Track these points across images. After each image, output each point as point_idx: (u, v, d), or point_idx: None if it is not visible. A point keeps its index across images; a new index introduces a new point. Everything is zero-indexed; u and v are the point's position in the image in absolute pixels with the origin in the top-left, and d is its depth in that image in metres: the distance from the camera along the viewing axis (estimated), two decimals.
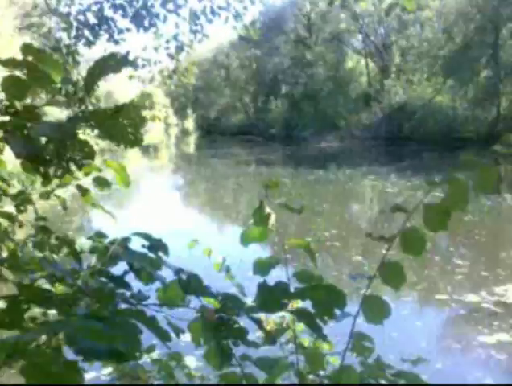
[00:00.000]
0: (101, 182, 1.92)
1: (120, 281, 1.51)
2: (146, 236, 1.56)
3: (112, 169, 1.77)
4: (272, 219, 1.64)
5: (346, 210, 13.06)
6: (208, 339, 1.30)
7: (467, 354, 5.43)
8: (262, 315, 1.94)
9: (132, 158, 38.19)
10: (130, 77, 6.45)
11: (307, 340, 2.11)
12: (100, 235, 1.75)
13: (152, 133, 74.04)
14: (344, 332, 1.62)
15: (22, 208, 2.18)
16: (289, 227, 11.40)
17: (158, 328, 1.18)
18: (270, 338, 1.69)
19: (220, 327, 1.28)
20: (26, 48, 1.24)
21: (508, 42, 34.34)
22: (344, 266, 8.57)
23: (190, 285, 1.39)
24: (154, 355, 2.23)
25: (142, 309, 1.21)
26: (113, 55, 1.19)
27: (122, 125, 1.18)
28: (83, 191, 1.97)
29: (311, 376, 1.73)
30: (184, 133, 72.75)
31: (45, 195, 2.23)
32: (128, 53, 1.19)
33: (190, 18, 6.16)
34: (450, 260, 8.40)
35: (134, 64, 6.26)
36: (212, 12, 6.14)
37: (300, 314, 1.38)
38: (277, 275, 1.57)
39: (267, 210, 1.66)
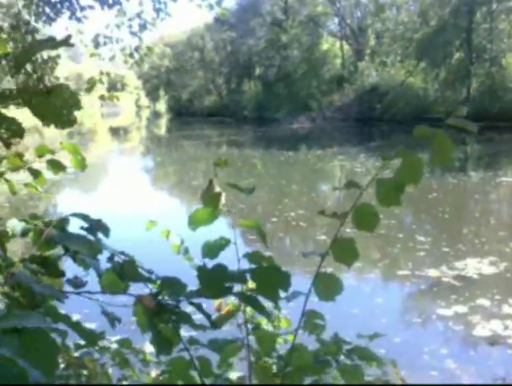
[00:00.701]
0: (55, 166, 1.81)
1: (53, 267, 1.43)
2: (85, 217, 1.46)
3: (67, 151, 1.71)
4: (222, 199, 1.54)
5: (314, 190, 13.06)
6: (147, 326, 1.24)
7: (426, 327, 5.56)
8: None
9: (101, 140, 37.69)
10: (91, 55, 6.27)
11: (285, 320, 2.08)
12: (35, 216, 1.59)
13: (123, 115, 73.29)
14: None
15: None
16: (256, 207, 11.35)
17: (82, 331, 1.13)
18: (221, 321, 1.72)
19: (160, 313, 1.22)
20: None
21: (481, 25, 34.88)
22: (309, 245, 8.57)
23: (124, 270, 1.31)
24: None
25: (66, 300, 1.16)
26: (51, 40, 1.12)
27: (54, 105, 1.13)
28: (35, 174, 1.86)
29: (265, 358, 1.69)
30: (156, 115, 72.13)
31: None
32: (69, 36, 1.11)
33: None
34: (413, 236, 8.48)
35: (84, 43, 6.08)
36: None
37: (244, 297, 1.34)
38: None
39: (217, 189, 1.55)
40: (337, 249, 1.41)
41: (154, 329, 1.22)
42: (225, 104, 53.31)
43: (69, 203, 13.53)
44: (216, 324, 1.43)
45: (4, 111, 1.20)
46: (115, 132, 45.00)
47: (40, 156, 1.76)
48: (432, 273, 6.77)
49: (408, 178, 1.28)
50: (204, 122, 46.80)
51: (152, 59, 68.98)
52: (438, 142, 1.23)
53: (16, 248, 1.52)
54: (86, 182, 16.91)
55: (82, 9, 5.89)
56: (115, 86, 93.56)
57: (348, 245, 1.41)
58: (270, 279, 1.34)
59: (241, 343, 1.64)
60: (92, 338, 1.12)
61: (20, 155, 1.79)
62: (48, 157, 1.80)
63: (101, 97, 6.29)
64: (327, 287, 1.44)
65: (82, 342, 1.84)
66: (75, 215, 1.44)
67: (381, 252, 7.87)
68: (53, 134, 32.31)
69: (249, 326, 1.93)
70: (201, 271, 1.30)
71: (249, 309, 2.10)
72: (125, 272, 1.30)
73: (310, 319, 1.66)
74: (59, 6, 5.91)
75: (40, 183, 1.87)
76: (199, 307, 1.26)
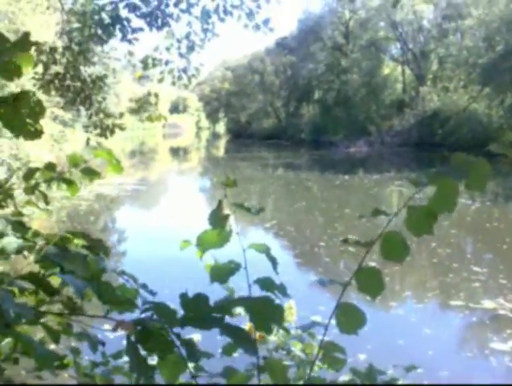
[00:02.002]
0: (89, 173, 1.79)
1: (45, 285, 1.40)
2: (85, 236, 1.44)
3: (102, 157, 1.68)
4: (231, 221, 1.49)
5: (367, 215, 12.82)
6: (126, 352, 1.17)
7: (478, 361, 5.28)
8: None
9: (162, 160, 38.67)
10: (139, 77, 6.48)
11: (298, 344, 2.03)
12: (37, 233, 1.58)
13: (183, 136, 75.00)
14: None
15: (2, 204, 2.03)
16: (305, 230, 11.30)
17: (39, 355, 1.07)
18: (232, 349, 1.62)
19: (143, 340, 1.15)
20: None
21: None
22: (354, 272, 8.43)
23: (102, 293, 1.26)
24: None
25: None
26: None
27: (21, 113, 1.12)
28: (68, 183, 1.85)
29: None
30: (215, 136, 73.49)
31: (29, 190, 2.02)
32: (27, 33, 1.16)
33: (202, 17, 6.11)
34: (468, 266, 8.17)
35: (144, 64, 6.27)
36: (225, 11, 6.06)
37: (230, 331, 1.22)
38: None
39: (226, 211, 1.51)
40: (362, 279, 1.36)
41: (133, 354, 1.14)
42: (283, 127, 53.62)
43: (127, 219, 13.96)
44: (196, 356, 1.27)
45: None
46: (175, 152, 46.10)
47: (75, 165, 1.76)
48: (487, 304, 6.49)
49: (442, 205, 1.21)
50: (261, 144, 47.20)
51: (213, 82, 70.70)
52: (476, 168, 1.17)
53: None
54: (145, 199, 17.41)
55: (133, 31, 6.02)
56: (177, 108, 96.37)
57: (373, 275, 1.35)
58: (262, 311, 1.27)
59: (248, 374, 1.58)
60: (47, 361, 1.07)
61: (52, 166, 1.79)
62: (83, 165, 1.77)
63: (149, 118, 6.47)
64: (349, 319, 1.37)
65: (98, 360, 1.82)
66: (73, 233, 1.41)
67: (432, 282, 7.64)
68: (116, 153, 33.49)
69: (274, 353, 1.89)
70: (183, 299, 1.20)
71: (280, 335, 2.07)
72: (103, 295, 1.25)
73: (328, 352, 1.58)
74: (111, 27, 5.98)
75: (73, 192, 1.86)
76: (178, 336, 1.17)
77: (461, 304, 6.60)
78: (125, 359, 1.89)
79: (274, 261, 1.50)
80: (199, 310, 1.18)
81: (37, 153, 15.69)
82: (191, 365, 1.32)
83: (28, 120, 1.12)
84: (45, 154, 17.80)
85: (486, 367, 5.10)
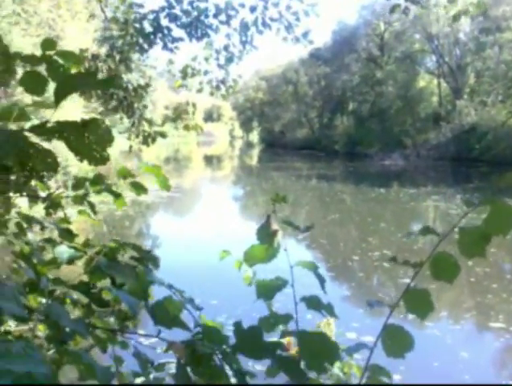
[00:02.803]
0: (138, 187, 1.83)
1: (97, 298, 1.41)
2: (135, 247, 1.44)
3: (150, 173, 1.71)
4: (279, 237, 1.47)
5: (402, 230, 12.60)
6: (177, 376, 1.15)
7: None
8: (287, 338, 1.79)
9: (196, 167, 38.99)
10: (178, 86, 6.52)
11: (356, 367, 1.98)
12: (87, 243, 1.61)
13: (217, 144, 75.56)
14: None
15: (50, 211, 2.05)
16: (338, 244, 11.18)
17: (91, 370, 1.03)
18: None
19: (193, 362, 1.13)
20: (47, 44, 1.20)
21: None
22: (390, 289, 8.27)
23: (155, 312, 1.24)
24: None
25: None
26: (92, 75, 1.14)
27: (89, 140, 1.11)
28: (115, 195, 1.89)
29: None
30: (248, 145, 73.77)
31: (78, 199, 2.08)
32: (113, 78, 1.18)
33: (241, 29, 6.10)
34: (508, 287, 7.92)
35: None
36: (264, 24, 6.01)
37: (283, 363, 1.19)
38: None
39: (275, 226, 1.48)
40: (410, 300, 1.33)
41: (182, 378, 1.13)
42: (317, 138, 53.49)
43: (161, 225, 14.10)
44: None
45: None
46: (209, 160, 46.45)
47: (124, 178, 1.79)
48: None
49: (496, 228, 1.18)
50: (294, 155, 47.14)
51: (248, 91, 71.14)
52: None
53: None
54: (179, 206, 17.55)
55: (174, 40, 6.03)
56: (212, 116, 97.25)
57: (422, 297, 1.32)
58: (316, 348, 1.22)
59: None
60: (105, 378, 1.04)
61: (102, 177, 1.83)
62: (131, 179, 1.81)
63: (186, 127, 6.50)
64: (395, 342, 1.34)
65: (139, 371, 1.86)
66: (125, 244, 1.41)
67: (470, 302, 7.42)
68: (151, 158, 33.95)
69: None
70: (237, 328, 1.18)
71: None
72: (158, 314, 1.24)
73: (374, 375, 1.53)
74: (152, 36, 6.01)
75: (119, 205, 1.89)
76: (230, 364, 1.15)
77: (500, 326, 6.39)
78: (167, 371, 1.92)
79: (321, 280, 1.47)
80: (252, 342, 1.16)
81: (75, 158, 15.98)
82: None
83: (95, 146, 1.11)
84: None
85: None
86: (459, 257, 1.26)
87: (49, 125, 1.08)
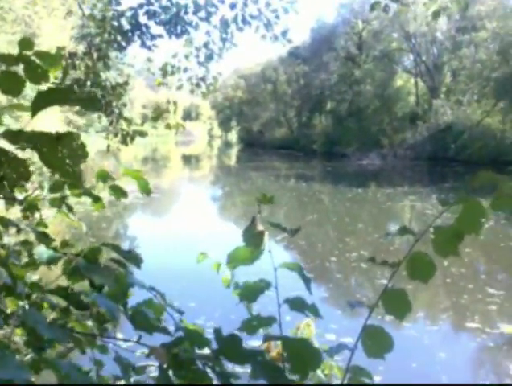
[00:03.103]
0: (117, 191, 1.82)
1: (76, 301, 1.40)
2: (115, 247, 1.41)
3: (131, 177, 1.69)
4: (265, 238, 1.45)
5: (380, 230, 12.72)
6: (159, 381, 1.14)
7: None
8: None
9: (174, 167, 38.79)
10: (158, 84, 6.49)
11: (337, 368, 1.95)
12: (66, 244, 1.61)
13: (195, 143, 75.26)
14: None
15: (28, 214, 2.04)
16: (316, 245, 11.24)
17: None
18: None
19: (175, 367, 1.13)
20: (24, 43, 1.18)
21: None
22: (367, 289, 8.35)
23: (134, 318, 1.24)
24: None
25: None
26: (71, 91, 1.10)
27: (62, 153, 1.08)
28: (95, 199, 1.88)
29: None
30: (227, 145, 73.70)
31: (56, 203, 2.07)
32: (95, 99, 1.11)
33: (221, 27, 6.08)
34: (483, 288, 8.01)
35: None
36: (243, 21, 6.00)
37: (265, 369, 1.18)
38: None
39: (260, 227, 1.47)
40: (388, 301, 1.34)
41: (166, 382, 1.13)
42: (295, 138, 53.60)
43: (139, 226, 14.01)
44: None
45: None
46: (187, 160, 46.26)
47: (104, 181, 1.78)
48: (504, 328, 6.33)
49: (468, 226, 1.20)
50: (273, 154, 47.22)
51: (226, 90, 70.99)
52: (502, 188, 1.16)
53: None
54: (157, 207, 17.45)
55: (152, 38, 6.01)
56: (190, 115, 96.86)
57: (400, 297, 1.34)
58: (299, 354, 1.23)
59: None
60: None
61: (80, 181, 1.82)
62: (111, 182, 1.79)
63: (167, 126, 6.48)
64: (375, 343, 1.35)
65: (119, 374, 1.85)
66: (105, 245, 1.39)
67: (446, 303, 7.50)
68: (128, 158, 33.67)
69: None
70: (217, 335, 1.17)
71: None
72: (136, 320, 1.23)
73: (355, 376, 1.54)
74: (130, 34, 5.98)
75: (98, 208, 1.87)
76: (213, 369, 1.15)
77: (477, 327, 6.44)
78: (147, 374, 1.88)
79: (307, 280, 1.47)
80: (233, 348, 1.16)
81: None
82: None
83: (68, 160, 1.09)
84: None
85: None
86: (435, 258, 1.28)
87: (23, 134, 1.06)
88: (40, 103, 1.05)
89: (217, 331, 1.16)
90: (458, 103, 40.04)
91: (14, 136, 1.06)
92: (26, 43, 1.19)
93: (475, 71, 39.39)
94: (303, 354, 1.23)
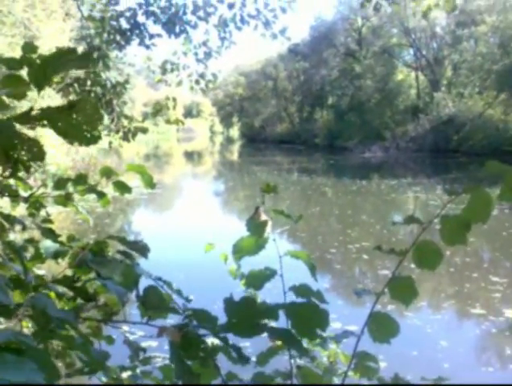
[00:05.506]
0: (121, 187, 1.79)
1: (81, 291, 1.39)
2: (122, 239, 1.41)
3: (134, 172, 1.68)
4: (268, 228, 1.45)
5: (383, 222, 12.71)
6: (172, 360, 1.15)
7: (497, 375, 5.12)
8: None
9: (176, 163, 38.83)
10: (158, 81, 6.50)
11: (342, 355, 1.91)
12: (72, 238, 1.59)
13: (197, 140, 75.33)
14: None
15: (33, 211, 2.01)
16: (316, 236, 11.22)
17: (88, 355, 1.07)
18: (265, 357, 1.60)
19: (186, 346, 1.13)
20: (28, 47, 1.17)
21: None
22: (368, 279, 8.35)
23: (147, 298, 1.25)
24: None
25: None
26: (73, 51, 1.08)
27: (77, 121, 1.08)
28: (100, 195, 1.86)
29: None
30: (229, 140, 73.74)
31: (61, 200, 2.01)
32: (91, 52, 1.14)
33: (219, 26, 6.09)
34: (486, 276, 8.00)
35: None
36: (242, 20, 6.01)
37: (278, 334, 1.23)
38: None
39: (264, 217, 1.47)
40: (395, 288, 1.36)
41: (179, 362, 1.13)
42: (297, 132, 53.69)
43: (143, 221, 14.04)
44: (246, 359, 1.25)
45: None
46: (189, 156, 46.30)
47: (107, 177, 1.76)
48: (507, 314, 6.37)
49: (476, 215, 1.20)
50: (275, 149, 47.25)
51: (227, 87, 70.99)
52: (509, 179, 1.16)
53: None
54: (160, 202, 17.49)
55: (151, 37, 6.05)
56: (191, 112, 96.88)
57: (406, 284, 1.36)
58: (306, 317, 1.25)
59: (285, 380, 1.56)
60: (95, 363, 1.07)
61: (85, 177, 1.79)
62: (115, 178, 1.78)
63: (167, 122, 6.50)
64: (381, 328, 1.37)
65: (126, 365, 1.80)
66: (111, 237, 1.39)
67: (449, 291, 7.50)
68: (130, 155, 33.70)
69: (298, 361, 1.84)
70: (228, 304, 1.18)
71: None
72: (148, 301, 1.24)
73: (362, 361, 1.56)
74: (129, 33, 6.01)
75: (104, 204, 1.86)
76: (226, 341, 1.16)
77: (479, 314, 6.45)
78: (153, 364, 1.87)
79: (312, 268, 1.47)
80: (244, 316, 1.16)
81: (53, 155, 15.80)
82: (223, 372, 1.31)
83: (85, 126, 1.08)
84: (61, 157, 17.96)
85: (507, 381, 5.00)
86: (440, 247, 1.28)
87: (34, 112, 1.05)
88: (45, 71, 1.04)
89: (228, 299, 1.18)
90: (459, 95, 40.13)
91: (26, 116, 1.06)
92: (29, 47, 1.18)
93: (476, 64, 39.49)
94: (309, 316, 1.26)
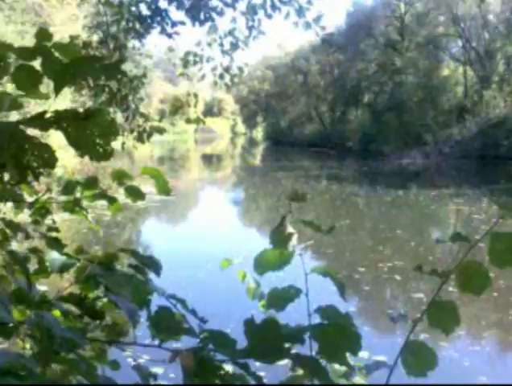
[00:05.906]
0: (134, 193, 1.76)
1: (90, 309, 1.40)
2: (134, 253, 1.43)
3: (149, 176, 1.66)
4: (294, 241, 1.45)
5: (420, 238, 12.62)
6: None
7: None
8: None
9: (193, 167, 39.10)
10: (180, 74, 6.51)
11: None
12: (80, 250, 1.60)
13: (217, 141, 75.53)
14: None
15: (38, 218, 2.04)
16: (344, 253, 11.21)
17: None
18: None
19: (201, 372, 1.12)
20: (42, 34, 1.18)
21: None
22: (400, 304, 8.33)
23: (159, 319, 1.24)
24: None
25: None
26: (98, 59, 1.10)
27: (91, 133, 1.08)
28: (110, 201, 1.86)
29: None
30: (251, 142, 73.72)
31: (69, 206, 2.01)
32: (120, 61, 1.20)
33: (248, 13, 5.98)
34: None
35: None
36: (273, 6, 5.88)
37: (303, 361, 1.18)
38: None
39: (290, 229, 1.46)
40: (435, 314, 1.34)
41: None
42: (328, 134, 53.28)
43: (154, 232, 14.19)
44: None
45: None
46: (208, 159, 46.54)
47: (119, 181, 1.74)
48: None
49: None
50: (303, 153, 47.15)
51: (252, 82, 71.10)
52: None
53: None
54: (173, 211, 17.65)
55: (173, 24, 5.96)
56: (211, 110, 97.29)
57: (448, 309, 1.34)
58: (335, 339, 1.23)
59: None
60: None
61: (96, 181, 1.80)
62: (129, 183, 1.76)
63: (187, 121, 6.52)
64: (417, 359, 1.34)
65: None
66: (123, 250, 1.39)
67: (491, 319, 7.40)
68: (143, 158, 34.05)
69: None
70: (248, 326, 1.16)
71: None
72: (160, 321, 1.23)
73: None
74: (149, 20, 5.93)
75: (115, 210, 1.85)
76: (245, 368, 1.14)
77: None
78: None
79: (341, 287, 1.48)
80: (267, 339, 1.15)
81: (60, 157, 16.12)
82: None
83: (98, 140, 1.09)
84: (70, 158, 18.34)
85: None
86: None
87: (47, 116, 1.06)
88: (64, 76, 1.06)
89: (249, 321, 1.16)
90: None
91: (38, 119, 1.07)
92: (43, 34, 1.18)
93: None
94: (338, 339, 1.24)
